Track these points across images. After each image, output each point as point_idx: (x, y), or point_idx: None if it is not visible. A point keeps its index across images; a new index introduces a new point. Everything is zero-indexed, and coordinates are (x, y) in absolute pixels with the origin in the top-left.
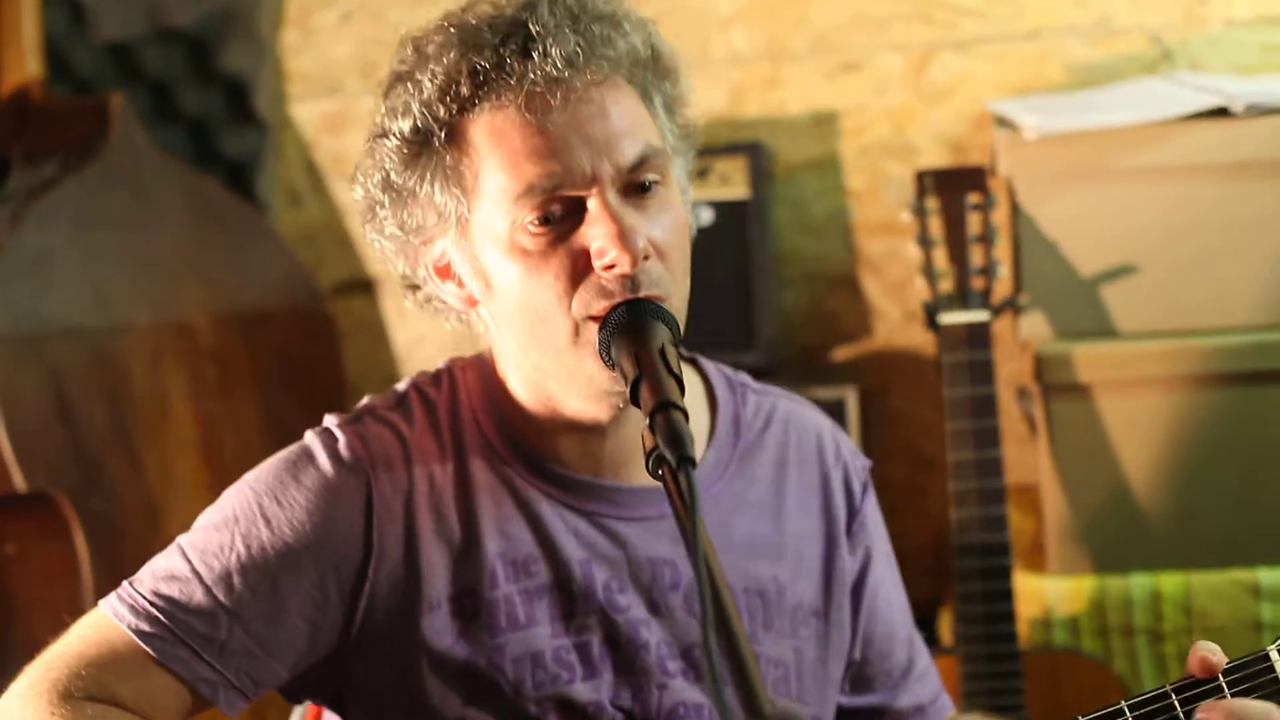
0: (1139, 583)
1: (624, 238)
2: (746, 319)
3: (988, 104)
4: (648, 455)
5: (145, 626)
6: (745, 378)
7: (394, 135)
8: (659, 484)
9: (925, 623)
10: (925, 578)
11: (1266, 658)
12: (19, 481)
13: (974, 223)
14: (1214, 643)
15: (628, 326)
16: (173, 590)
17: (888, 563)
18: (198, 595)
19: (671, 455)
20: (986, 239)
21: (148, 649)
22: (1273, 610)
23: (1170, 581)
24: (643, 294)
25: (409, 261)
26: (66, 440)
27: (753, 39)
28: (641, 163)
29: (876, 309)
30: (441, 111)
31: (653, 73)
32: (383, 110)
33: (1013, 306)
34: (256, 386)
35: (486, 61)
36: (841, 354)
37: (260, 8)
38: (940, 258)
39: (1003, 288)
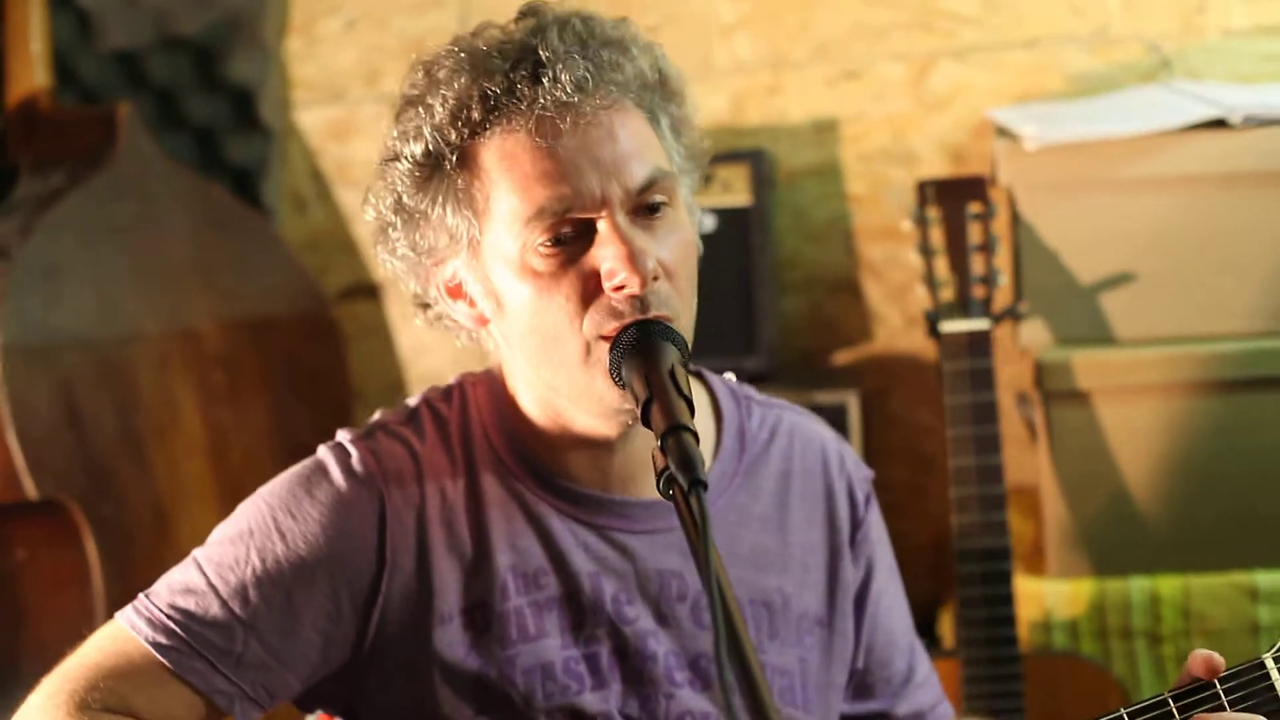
0: (1138, 586)
1: (634, 259)
2: (748, 324)
3: (987, 112)
4: (659, 475)
5: (161, 639)
6: (750, 390)
7: (406, 158)
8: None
9: (926, 622)
10: (925, 578)
11: (1262, 665)
12: (30, 489)
13: (975, 232)
14: (1211, 646)
15: (638, 348)
16: (189, 603)
17: (890, 572)
18: (213, 608)
19: (683, 479)
20: (987, 248)
21: (164, 661)
22: (1270, 612)
23: (1168, 584)
24: (652, 314)
25: (420, 282)
26: (76, 448)
27: (755, 47)
28: (650, 185)
29: (877, 314)
30: (453, 135)
31: (660, 95)
32: (394, 134)
33: (1013, 315)
34: (264, 392)
35: (497, 87)
36: (842, 358)
37: (265, 16)
38: (941, 266)
39: (1003, 296)
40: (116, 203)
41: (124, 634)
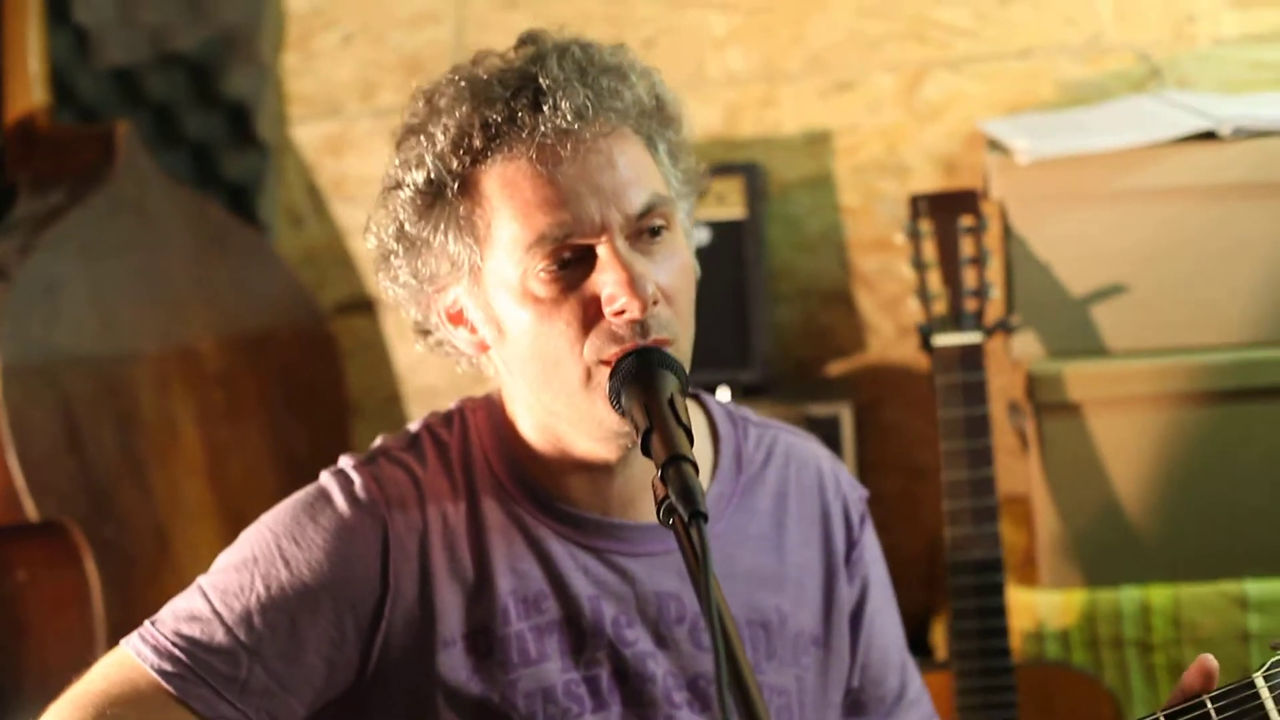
0: (1129, 596)
1: (634, 284)
2: (742, 336)
3: (979, 123)
4: (659, 504)
5: (167, 666)
6: (746, 411)
7: (408, 186)
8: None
9: (919, 631)
10: (918, 587)
11: (1252, 684)
12: (31, 511)
13: (967, 245)
14: (1202, 654)
15: (637, 376)
16: (194, 630)
17: (884, 591)
18: (219, 635)
19: (684, 510)
20: (979, 261)
21: (170, 688)
22: (1260, 621)
23: (1159, 594)
24: (652, 338)
25: (421, 308)
26: (77, 469)
27: (748, 59)
28: (649, 210)
29: (870, 324)
30: (454, 163)
31: (657, 121)
32: (396, 162)
33: (1005, 328)
34: (262, 409)
35: (498, 115)
36: (836, 369)
37: (261, 31)
38: (934, 280)
39: (995, 309)
40: (115, 221)
41: (130, 661)
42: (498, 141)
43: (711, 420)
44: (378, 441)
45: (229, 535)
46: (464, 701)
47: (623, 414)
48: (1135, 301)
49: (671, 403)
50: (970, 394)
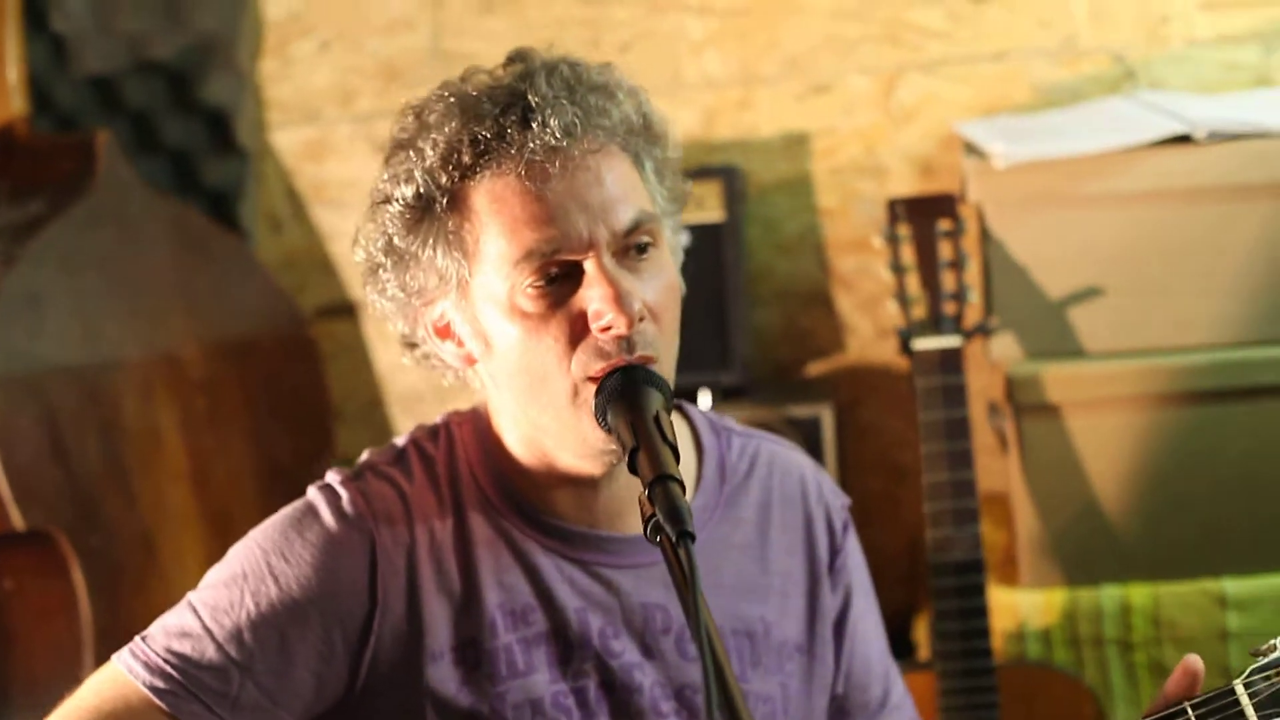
0: (1109, 595)
1: (620, 300)
2: (722, 338)
3: (955, 125)
4: (645, 521)
5: (159, 682)
6: (730, 421)
7: (397, 201)
8: None
9: (900, 630)
10: (900, 586)
11: (1233, 692)
12: (17, 520)
13: (945, 249)
14: (1182, 653)
15: (623, 394)
16: (185, 647)
17: (867, 598)
18: (209, 651)
19: (671, 530)
20: (957, 264)
21: (161, 704)
22: (1239, 619)
23: (1139, 593)
24: (637, 354)
25: (409, 322)
26: (63, 478)
27: (724, 63)
28: (635, 227)
29: (849, 325)
30: (443, 178)
31: (644, 139)
32: (385, 177)
33: (984, 331)
34: (244, 415)
35: (487, 131)
36: (815, 370)
37: (239, 39)
38: (912, 284)
39: (974, 313)
40: (97, 230)
41: (121, 677)
42: (486, 157)
43: (695, 431)
44: (364, 456)
45: (214, 541)
46: (453, 713)
47: (609, 431)
48: (1113, 303)
49: (657, 420)
50: (950, 397)
